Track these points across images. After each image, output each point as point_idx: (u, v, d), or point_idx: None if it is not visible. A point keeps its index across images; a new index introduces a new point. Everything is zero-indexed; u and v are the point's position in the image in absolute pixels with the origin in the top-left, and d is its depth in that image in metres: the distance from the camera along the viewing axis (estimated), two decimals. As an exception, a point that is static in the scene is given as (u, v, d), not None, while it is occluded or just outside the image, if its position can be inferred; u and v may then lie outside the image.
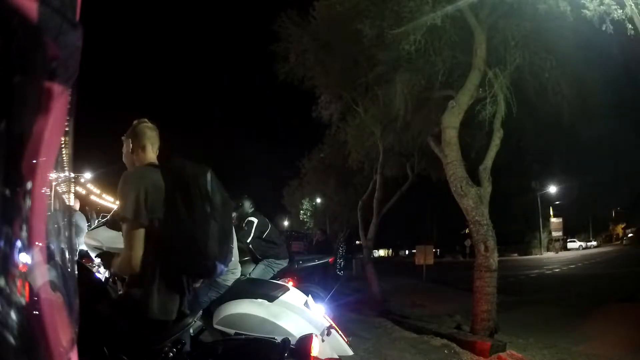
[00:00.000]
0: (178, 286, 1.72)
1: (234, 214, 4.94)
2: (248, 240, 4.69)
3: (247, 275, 4.41)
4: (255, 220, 4.78)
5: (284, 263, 4.92)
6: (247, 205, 4.97)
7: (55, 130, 0.50)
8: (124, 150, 1.89)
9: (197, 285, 3.02)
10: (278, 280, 4.13)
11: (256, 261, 4.79)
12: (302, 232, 16.24)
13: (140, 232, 1.59)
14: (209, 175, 1.67)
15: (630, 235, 31.69)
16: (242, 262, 4.68)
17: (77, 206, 5.45)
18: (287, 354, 1.87)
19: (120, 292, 2.12)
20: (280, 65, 8.94)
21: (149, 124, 1.89)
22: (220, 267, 1.71)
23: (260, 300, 2.55)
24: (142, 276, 1.64)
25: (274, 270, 4.76)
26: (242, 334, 2.37)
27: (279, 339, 2.02)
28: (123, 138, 1.90)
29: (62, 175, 0.63)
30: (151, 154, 1.85)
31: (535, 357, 4.32)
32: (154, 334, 1.69)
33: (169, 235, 1.62)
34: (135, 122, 1.90)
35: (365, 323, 6.39)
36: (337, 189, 18.10)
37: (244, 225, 4.78)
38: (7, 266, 0.45)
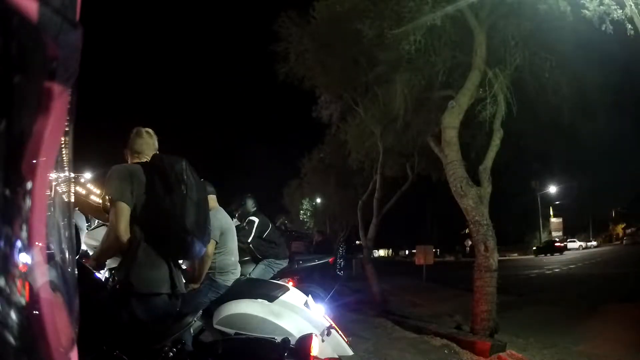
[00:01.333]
0: (162, 261, 1.86)
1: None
2: (249, 240, 4.68)
3: (247, 276, 4.41)
4: (256, 220, 4.78)
5: (283, 263, 4.92)
6: (250, 204, 4.96)
7: (55, 130, 0.50)
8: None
9: (197, 286, 3.03)
10: (278, 280, 4.12)
11: (256, 261, 4.79)
12: (302, 232, 16.23)
13: (125, 210, 1.81)
14: (184, 163, 1.88)
15: (534, 248, 31.19)
16: (242, 262, 4.68)
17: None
18: (287, 354, 1.87)
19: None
20: (280, 65, 8.94)
21: (143, 134, 2.10)
22: (199, 244, 1.89)
23: (260, 300, 2.55)
24: (129, 256, 1.83)
25: (274, 271, 4.76)
26: (242, 334, 2.37)
27: (279, 339, 2.03)
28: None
29: (62, 175, 0.63)
30: (143, 158, 2.07)
31: (535, 357, 4.31)
32: (146, 313, 1.77)
33: (150, 216, 1.83)
34: (132, 132, 2.11)
35: (365, 323, 6.40)
36: (337, 189, 18.10)
37: (244, 225, 4.78)
38: (7, 266, 0.45)
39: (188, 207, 1.81)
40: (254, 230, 4.72)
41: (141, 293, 1.78)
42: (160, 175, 1.85)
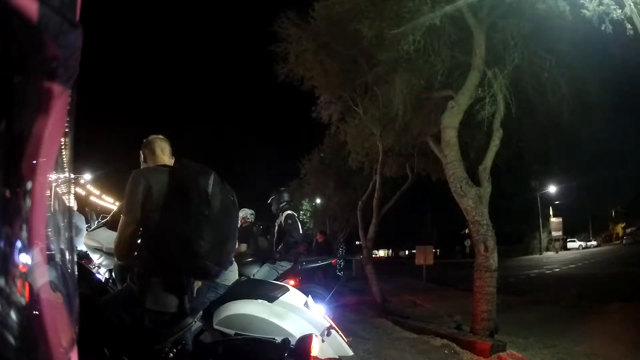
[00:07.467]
0: (175, 281, 1.75)
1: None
2: (299, 235, 4.84)
3: (252, 276, 4.42)
4: (295, 215, 4.92)
5: (288, 265, 4.92)
6: (286, 197, 5.12)
7: (55, 130, 0.50)
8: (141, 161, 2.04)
9: (197, 285, 3.03)
10: (280, 281, 4.13)
11: (261, 261, 4.80)
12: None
13: (129, 225, 1.71)
14: (211, 178, 1.67)
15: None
16: (246, 263, 4.70)
17: (75, 207, 5.42)
18: (287, 354, 1.87)
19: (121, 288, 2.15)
20: (279, 66, 8.93)
21: (159, 136, 2.02)
22: (216, 268, 1.72)
23: (260, 300, 2.55)
24: (141, 269, 1.74)
25: (278, 272, 4.75)
26: (242, 335, 2.37)
27: (279, 339, 2.03)
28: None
29: (61, 176, 0.63)
30: (162, 156, 1.96)
31: (535, 357, 4.31)
32: (152, 326, 1.71)
33: (163, 233, 1.66)
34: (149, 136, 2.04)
35: (365, 323, 6.40)
36: (337, 189, 18.10)
37: (287, 220, 4.88)
38: (7, 266, 0.45)
39: (206, 231, 1.61)
40: (299, 224, 4.87)
41: (151, 310, 1.70)
42: (181, 189, 1.65)
